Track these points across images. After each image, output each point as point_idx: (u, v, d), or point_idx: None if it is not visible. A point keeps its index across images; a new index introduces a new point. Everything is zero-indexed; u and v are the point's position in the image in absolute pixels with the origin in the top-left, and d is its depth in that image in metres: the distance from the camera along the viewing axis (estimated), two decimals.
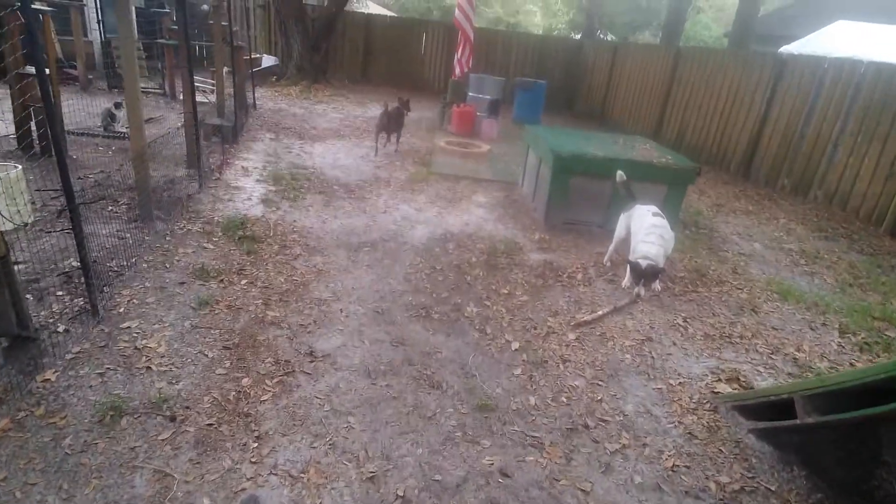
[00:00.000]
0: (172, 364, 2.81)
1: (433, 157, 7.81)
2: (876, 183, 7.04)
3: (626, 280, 4.41)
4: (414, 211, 5.66)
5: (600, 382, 3.12)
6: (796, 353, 3.63)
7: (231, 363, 2.87)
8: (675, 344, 3.59)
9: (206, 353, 2.92)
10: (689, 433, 2.75)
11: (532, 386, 3.03)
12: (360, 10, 18.86)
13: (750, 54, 9.11)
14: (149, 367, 2.78)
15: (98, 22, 12.29)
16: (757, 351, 3.60)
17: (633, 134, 12.61)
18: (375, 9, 24.57)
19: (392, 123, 7.71)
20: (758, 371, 3.36)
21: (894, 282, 5.12)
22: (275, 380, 2.78)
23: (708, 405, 2.97)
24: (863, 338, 3.87)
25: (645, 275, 3.91)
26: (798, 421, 2.33)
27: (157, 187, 5.22)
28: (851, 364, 3.53)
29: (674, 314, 4.01)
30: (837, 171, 7.62)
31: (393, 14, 23.12)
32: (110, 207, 4.74)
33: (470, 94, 9.96)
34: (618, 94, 13.24)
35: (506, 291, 4.13)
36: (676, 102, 11.00)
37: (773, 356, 3.56)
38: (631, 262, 4.01)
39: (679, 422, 2.84)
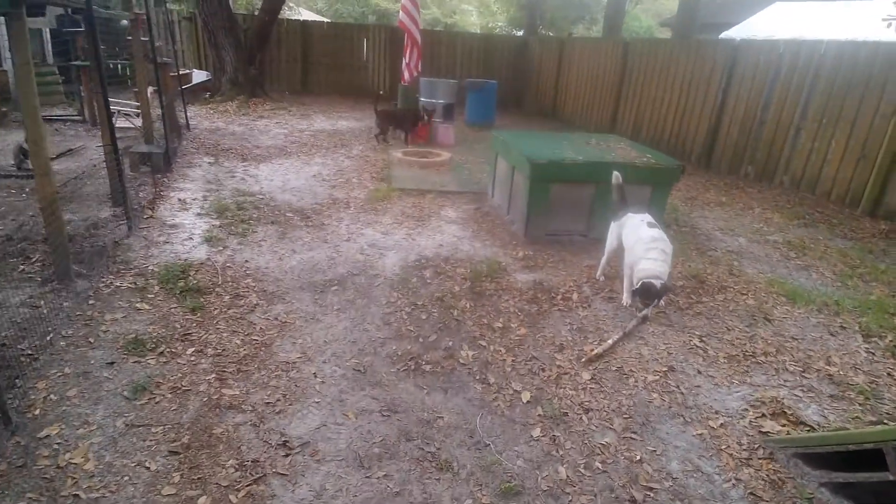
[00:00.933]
0: (105, 487, 2.14)
1: (391, 170, 7.23)
2: (846, 166, 6.98)
3: (626, 297, 3.99)
4: (381, 235, 5.07)
5: (634, 435, 2.65)
6: (827, 367, 3.29)
7: (181, 475, 2.22)
8: (699, 372, 3.18)
9: (146, 464, 2.26)
10: (752, 493, 2.32)
11: (558, 451, 2.53)
12: (294, 18, 17.98)
13: (701, 42, 9.02)
14: (76, 496, 2.10)
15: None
16: (787, 370, 3.24)
17: (587, 130, 12.53)
18: (309, 16, 23.66)
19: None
20: (797, 397, 2.99)
21: (892, 268, 4.95)
22: (241, 493, 2.15)
23: (761, 451, 2.55)
24: (891, 341, 3.59)
25: (658, 296, 3.49)
26: (893, 477, 1.93)
27: (77, 235, 4.43)
28: (890, 374, 3.21)
29: (687, 333, 3.61)
30: (802, 156, 7.55)
31: (329, 20, 22.30)
32: (21, 267, 3.93)
33: (422, 99, 9.44)
34: (568, 90, 13.03)
35: (500, 325, 3.63)
36: (629, 96, 10.84)
37: (805, 375, 3.21)
38: (639, 287, 3.56)
39: (735, 478, 2.40)
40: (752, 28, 12.57)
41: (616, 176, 4.28)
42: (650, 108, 10.28)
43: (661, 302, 3.93)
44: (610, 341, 3.41)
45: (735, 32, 12.81)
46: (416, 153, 8.15)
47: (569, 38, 13.71)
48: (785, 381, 3.13)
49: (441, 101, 9.35)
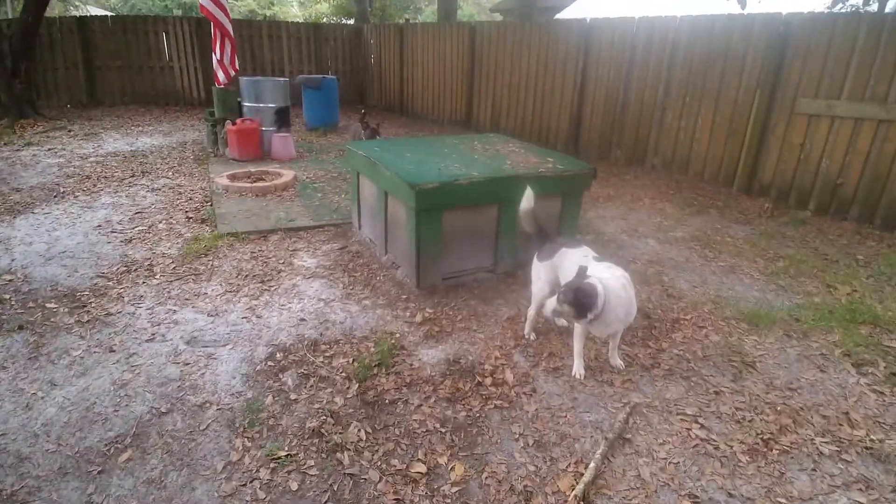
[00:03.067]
0: None
1: (217, 205, 5.39)
2: (716, 143, 6.76)
3: (577, 365, 2.90)
4: (206, 319, 3.38)
5: None
6: (853, 431, 2.50)
7: None
8: (730, 495, 2.15)
9: None
10: None
11: None
12: (70, 15, 14.27)
13: (552, 23, 8.44)
14: None
15: None
16: (821, 452, 2.37)
17: (440, 125, 11.51)
18: (99, 13, 19.44)
19: None
20: None
21: (806, 254, 4.56)
22: None
23: None
24: (885, 368, 2.94)
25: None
26: None
27: None
28: None
29: (677, 416, 2.60)
30: (671, 136, 7.26)
31: (113, 14, 18.46)
32: None
33: (245, 104, 7.55)
34: (414, 81, 11.88)
35: (421, 468, 2.28)
36: (483, 84, 10.02)
37: (843, 457, 2.36)
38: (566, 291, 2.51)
39: None
40: (583, 8, 12.53)
41: (528, 198, 3.14)
42: (507, 95, 9.53)
43: (619, 362, 2.93)
44: (592, 463, 2.25)
45: (569, 13, 12.70)
46: (247, 175, 6.35)
47: (408, 24, 12.52)
48: (831, 475, 2.24)
49: (271, 105, 7.55)
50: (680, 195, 6.41)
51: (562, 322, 2.91)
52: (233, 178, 6.14)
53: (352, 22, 18.54)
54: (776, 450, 2.37)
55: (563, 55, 8.41)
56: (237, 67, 7.79)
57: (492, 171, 3.71)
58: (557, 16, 13.28)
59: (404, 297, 3.68)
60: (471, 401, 2.70)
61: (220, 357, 2.99)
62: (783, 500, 2.12)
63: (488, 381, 2.86)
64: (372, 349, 3.10)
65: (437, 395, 2.74)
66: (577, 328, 2.86)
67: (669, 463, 2.29)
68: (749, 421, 2.55)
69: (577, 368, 2.90)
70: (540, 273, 3.09)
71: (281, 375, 2.85)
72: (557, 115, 8.72)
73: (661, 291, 3.88)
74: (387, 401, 2.69)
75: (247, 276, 3.96)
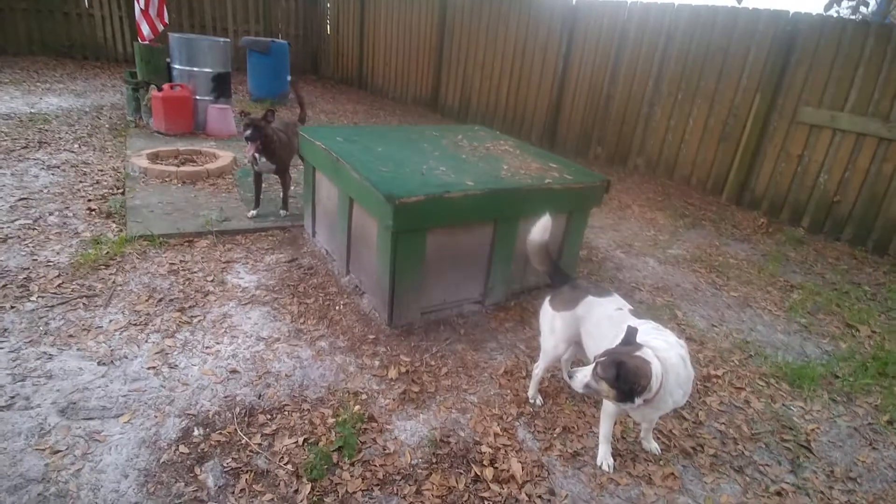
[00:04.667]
0: None
1: (130, 194, 4.33)
2: (707, 147, 6.23)
3: (603, 454, 2.21)
4: (94, 371, 2.45)
5: None
6: None
7: None
8: None
9: None
10: None
11: None
12: None
13: (534, 1, 7.62)
14: None
15: None
16: None
17: (404, 103, 10.51)
18: None
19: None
20: None
21: (816, 283, 4.07)
22: None
23: None
24: None
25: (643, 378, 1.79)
26: None
27: None
28: None
29: None
30: (658, 136, 6.69)
31: None
32: None
33: (175, 66, 6.33)
34: (376, 53, 10.80)
35: None
36: (453, 62, 9.12)
37: None
38: (605, 362, 1.79)
39: None
40: None
41: (544, 228, 2.37)
42: (479, 76, 8.69)
43: (655, 446, 2.26)
44: None
45: None
46: (173, 154, 5.25)
47: None
48: None
49: (208, 70, 6.38)
50: (669, 203, 5.86)
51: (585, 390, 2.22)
52: (155, 157, 5.04)
53: None
54: None
55: (545, 38, 7.64)
56: (166, 21, 6.56)
57: (489, 181, 2.92)
58: None
59: (371, 337, 2.87)
60: None
61: (110, 438, 2.09)
62: None
63: (488, 473, 2.12)
64: (330, 421, 2.28)
65: (423, 500, 1.97)
66: (608, 406, 2.16)
67: None
68: None
69: (604, 457, 2.20)
70: (555, 325, 2.35)
71: (198, 470, 2.00)
72: (534, 102, 7.98)
73: (678, 332, 3.25)
74: None
75: (161, 300, 3.01)
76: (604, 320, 2.19)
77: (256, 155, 3.84)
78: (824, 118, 5.30)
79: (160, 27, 6.40)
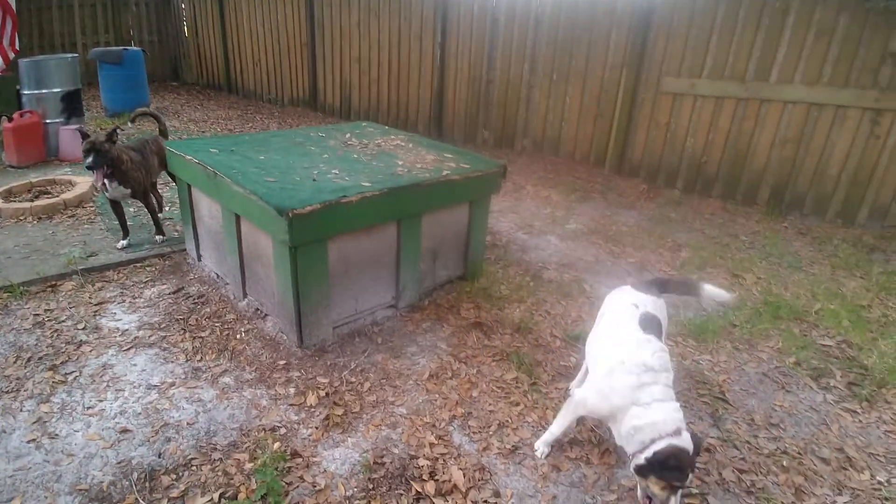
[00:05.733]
0: None
1: None
2: (585, 123, 6.53)
3: (540, 441, 2.19)
4: None
5: None
6: (858, 475, 2.16)
7: None
8: None
9: None
10: None
11: None
12: None
13: None
14: None
15: None
16: None
17: (281, 105, 9.94)
18: None
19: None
20: None
21: (699, 239, 4.41)
22: None
23: None
24: (842, 378, 2.71)
25: (692, 465, 1.73)
26: None
27: None
28: None
29: (686, 501, 2.02)
30: (540, 116, 6.90)
31: None
32: None
33: (24, 92, 5.46)
34: (243, 54, 10.11)
35: None
36: (328, 58, 8.78)
37: None
38: (658, 456, 1.73)
39: None
40: None
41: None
42: (357, 72, 8.45)
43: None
44: None
45: None
46: (26, 188, 4.52)
47: None
48: None
49: (56, 90, 5.57)
50: (560, 179, 6.08)
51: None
52: (8, 195, 4.31)
53: None
54: None
55: (419, 27, 7.57)
56: (17, 48, 5.66)
57: (386, 180, 2.77)
58: None
59: (282, 362, 2.63)
60: None
61: None
62: None
63: (430, 487, 2.02)
64: (248, 467, 2.04)
65: None
66: (570, 406, 2.08)
67: None
68: (762, 489, 2.07)
69: (542, 443, 2.18)
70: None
71: None
72: (417, 93, 7.91)
73: (588, 306, 3.35)
74: None
75: (29, 359, 2.55)
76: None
77: (106, 181, 3.37)
78: (685, 86, 5.74)
79: (11, 55, 5.55)
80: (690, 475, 1.70)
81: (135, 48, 8.00)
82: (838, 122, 4.97)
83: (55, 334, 2.77)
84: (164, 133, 4.14)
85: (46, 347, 2.66)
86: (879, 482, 2.12)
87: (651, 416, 1.75)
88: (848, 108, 4.90)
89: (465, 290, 3.35)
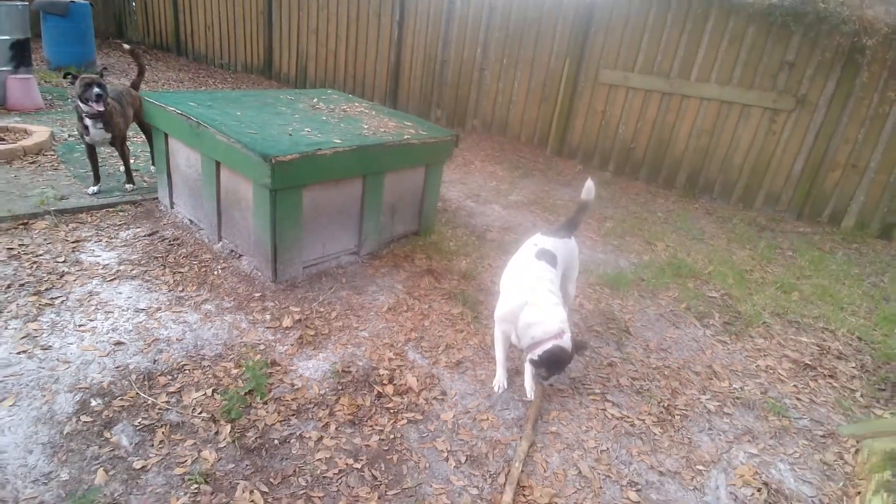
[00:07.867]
0: None
1: None
2: (531, 107, 7.07)
3: (499, 377, 2.61)
4: None
5: None
6: (720, 382, 2.80)
7: None
8: (661, 473, 2.19)
9: None
10: None
11: None
12: None
13: None
14: None
15: None
16: (707, 409, 2.57)
17: (234, 71, 9.90)
18: None
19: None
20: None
21: (622, 213, 5.05)
22: None
23: None
24: (719, 318, 3.37)
25: (569, 359, 2.33)
26: None
27: None
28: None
29: (590, 399, 2.57)
30: (490, 98, 7.38)
31: None
32: None
33: None
34: (195, 14, 9.96)
35: None
36: (284, 28, 8.87)
37: (724, 408, 2.60)
38: (543, 356, 2.28)
39: None
40: None
41: (588, 188, 2.86)
42: (314, 43, 8.60)
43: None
44: (517, 465, 2.07)
45: None
46: None
47: None
48: (723, 431, 2.45)
49: (5, 37, 5.46)
50: (505, 157, 6.59)
51: None
52: None
53: None
54: (677, 415, 2.52)
55: (378, 3, 7.83)
56: None
57: (355, 139, 3.15)
58: None
59: (258, 294, 2.98)
60: (378, 419, 2.29)
61: None
62: (701, 468, 2.24)
63: (389, 389, 2.46)
64: (234, 371, 2.42)
65: (337, 420, 2.25)
66: (497, 332, 2.59)
67: (601, 451, 2.25)
68: (647, 390, 2.66)
69: (498, 380, 2.58)
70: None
71: (108, 433, 2.03)
72: (374, 68, 8.18)
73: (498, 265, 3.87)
74: (276, 441, 2.11)
75: (9, 286, 2.76)
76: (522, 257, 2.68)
77: (89, 123, 3.54)
78: (619, 78, 6.37)
79: None
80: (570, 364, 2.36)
81: (82, 0, 7.78)
82: (744, 119, 5.75)
83: (34, 265, 2.97)
84: (136, 86, 4.28)
85: (27, 276, 2.87)
86: (734, 388, 2.77)
87: (539, 316, 2.31)
88: (752, 107, 5.67)
89: (418, 244, 3.79)
